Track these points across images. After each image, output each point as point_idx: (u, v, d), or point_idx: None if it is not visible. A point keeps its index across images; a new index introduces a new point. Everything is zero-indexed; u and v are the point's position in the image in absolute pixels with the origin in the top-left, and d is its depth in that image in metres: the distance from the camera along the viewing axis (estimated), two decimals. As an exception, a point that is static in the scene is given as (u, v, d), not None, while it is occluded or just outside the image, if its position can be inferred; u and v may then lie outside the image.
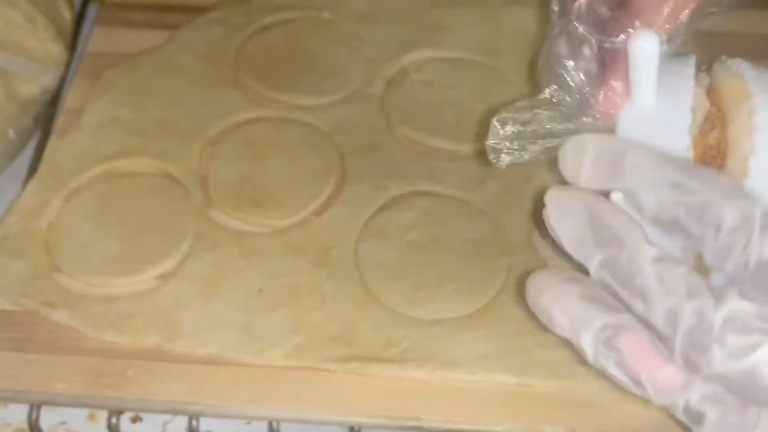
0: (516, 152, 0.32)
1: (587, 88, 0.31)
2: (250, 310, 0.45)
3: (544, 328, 0.44)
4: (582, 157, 0.30)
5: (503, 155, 0.33)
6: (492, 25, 0.58)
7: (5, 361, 0.43)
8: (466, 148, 0.52)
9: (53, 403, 0.43)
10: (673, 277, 0.28)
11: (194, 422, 0.43)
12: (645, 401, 0.41)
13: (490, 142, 0.33)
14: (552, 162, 0.32)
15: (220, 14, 0.58)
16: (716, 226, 0.27)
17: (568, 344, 0.43)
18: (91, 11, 0.61)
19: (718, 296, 0.27)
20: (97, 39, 0.58)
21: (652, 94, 0.31)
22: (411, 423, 0.42)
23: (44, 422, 0.44)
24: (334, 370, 0.43)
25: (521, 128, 0.32)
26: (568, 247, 0.30)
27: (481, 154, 0.51)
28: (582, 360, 0.43)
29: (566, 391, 0.43)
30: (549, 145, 0.32)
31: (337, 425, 0.43)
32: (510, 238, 0.48)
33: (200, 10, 0.59)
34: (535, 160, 0.32)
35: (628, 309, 0.29)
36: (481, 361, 0.43)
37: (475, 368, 0.43)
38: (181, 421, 0.46)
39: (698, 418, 0.29)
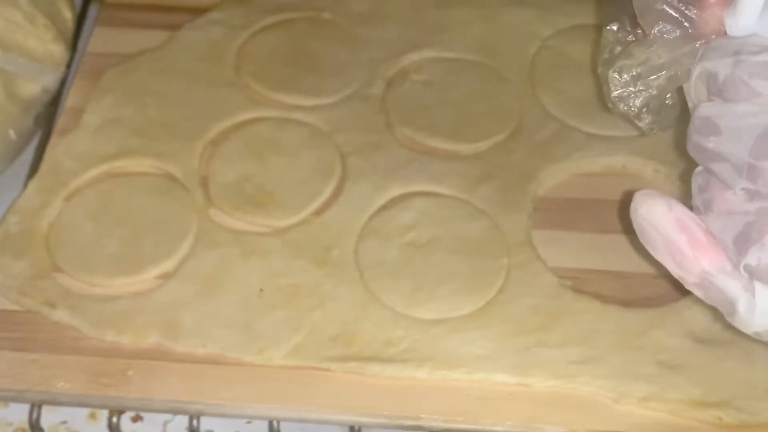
0: (643, 92, 0.32)
1: (691, 15, 0.31)
2: (251, 309, 0.45)
3: (544, 328, 0.45)
4: None
5: (631, 100, 0.33)
6: (492, 25, 0.58)
7: (6, 361, 0.44)
8: (466, 148, 0.52)
9: (54, 402, 0.43)
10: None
11: (195, 422, 0.43)
12: (645, 401, 0.42)
13: (614, 93, 0.33)
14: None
15: (220, 14, 0.58)
16: None
17: (569, 343, 0.43)
18: (92, 11, 0.62)
19: None
20: (98, 39, 0.58)
21: (759, 9, 0.31)
22: (411, 423, 0.42)
23: (45, 422, 0.45)
24: (334, 370, 0.43)
25: (639, 69, 0.32)
26: None
27: (482, 155, 0.52)
28: (582, 360, 0.43)
29: (566, 391, 0.43)
30: (671, 73, 0.32)
31: (337, 425, 0.43)
32: (510, 238, 0.48)
33: (200, 11, 0.59)
34: (664, 92, 0.33)
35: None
36: (481, 361, 0.43)
37: (474, 368, 0.43)
38: (182, 421, 0.46)
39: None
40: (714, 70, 0.30)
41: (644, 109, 0.33)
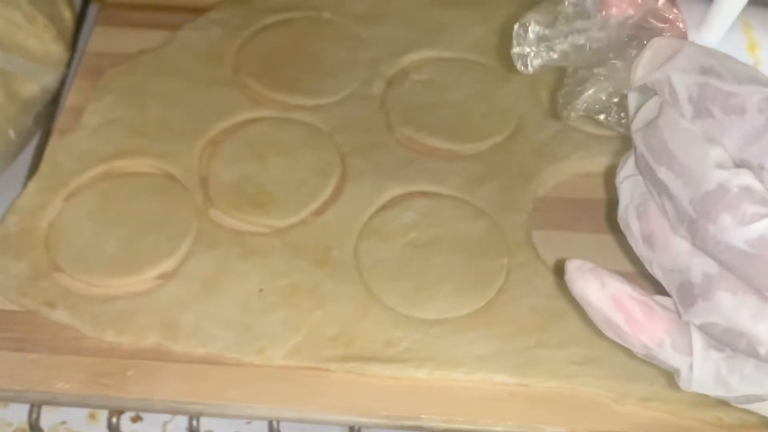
0: (543, 53, 0.31)
1: None
2: (250, 309, 0.45)
3: (544, 328, 0.44)
4: (639, 60, 0.29)
5: (530, 59, 0.31)
6: (492, 25, 0.58)
7: (6, 361, 0.43)
8: (466, 148, 0.52)
9: (54, 402, 0.43)
10: (700, 151, 0.27)
11: (194, 422, 0.43)
12: (645, 401, 0.42)
13: (515, 49, 0.31)
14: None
15: (220, 14, 0.58)
16: (741, 110, 0.26)
17: (569, 343, 0.43)
18: (92, 11, 0.61)
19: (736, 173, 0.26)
20: (98, 39, 0.58)
21: (723, 32, 0.29)
22: (411, 423, 0.42)
23: (45, 422, 0.45)
24: (334, 370, 0.43)
25: (546, 31, 0.31)
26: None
27: (482, 155, 0.52)
28: (582, 360, 0.43)
29: (566, 391, 0.43)
30: (577, 42, 0.31)
31: (337, 425, 0.43)
32: (510, 238, 0.48)
33: (200, 10, 0.59)
34: (565, 59, 0.31)
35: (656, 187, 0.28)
36: (481, 361, 0.43)
37: (474, 368, 0.43)
38: (182, 421, 0.46)
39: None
40: (676, 86, 0.28)
41: (584, 107, 0.32)
